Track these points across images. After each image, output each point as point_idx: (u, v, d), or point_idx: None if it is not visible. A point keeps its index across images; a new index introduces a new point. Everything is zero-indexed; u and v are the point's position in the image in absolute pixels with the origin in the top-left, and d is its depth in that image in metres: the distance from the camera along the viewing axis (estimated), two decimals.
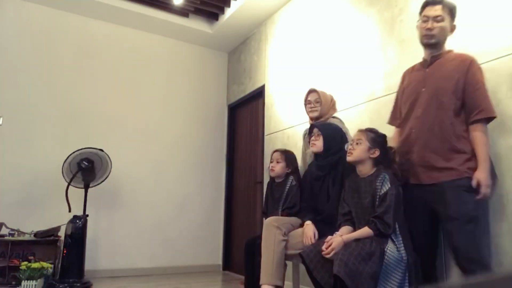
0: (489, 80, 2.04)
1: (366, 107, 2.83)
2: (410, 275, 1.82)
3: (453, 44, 2.25)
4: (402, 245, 1.86)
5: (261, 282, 2.22)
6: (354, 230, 2.00)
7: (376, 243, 1.82)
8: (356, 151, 2.02)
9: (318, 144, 2.34)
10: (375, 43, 2.83)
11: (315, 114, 2.62)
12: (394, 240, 1.87)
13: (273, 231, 2.29)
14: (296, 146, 3.52)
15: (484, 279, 0.30)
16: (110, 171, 3.70)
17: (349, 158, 2.05)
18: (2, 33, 3.93)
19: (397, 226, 1.89)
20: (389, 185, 1.89)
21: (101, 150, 3.63)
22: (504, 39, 2.00)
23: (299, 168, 2.78)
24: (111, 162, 3.69)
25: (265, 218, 2.79)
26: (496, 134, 1.97)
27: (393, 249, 1.83)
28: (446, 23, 1.92)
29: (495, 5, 2.07)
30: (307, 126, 3.38)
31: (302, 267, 3.16)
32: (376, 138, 2.02)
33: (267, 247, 2.27)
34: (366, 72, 2.87)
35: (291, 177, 2.67)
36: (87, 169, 3.52)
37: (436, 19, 1.92)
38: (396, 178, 1.95)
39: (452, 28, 1.96)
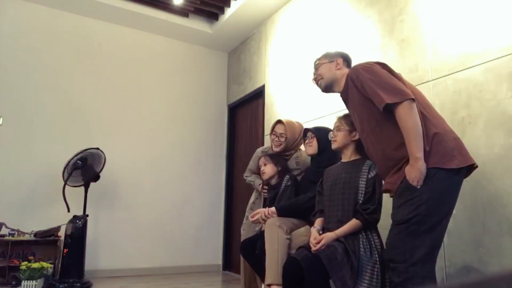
0: (489, 80, 2.04)
1: None
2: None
3: (454, 44, 2.25)
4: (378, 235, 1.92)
5: (267, 282, 2.21)
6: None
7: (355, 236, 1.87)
8: (339, 137, 2.08)
9: (313, 145, 2.38)
10: (375, 43, 2.83)
11: (278, 148, 2.69)
12: (373, 231, 1.91)
13: (275, 230, 2.29)
14: None
15: (484, 279, 0.30)
16: (105, 162, 3.66)
17: (334, 146, 2.11)
18: (2, 33, 3.93)
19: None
20: (375, 173, 1.92)
21: (97, 148, 3.63)
22: (504, 39, 2.00)
23: None
24: (104, 154, 3.65)
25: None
26: (496, 134, 1.97)
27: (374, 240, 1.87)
28: (324, 66, 2.01)
29: (495, 5, 2.07)
30: (308, 126, 3.38)
31: None
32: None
33: (271, 247, 2.26)
34: None
35: (287, 177, 2.67)
36: (81, 167, 3.52)
37: (316, 68, 2.05)
38: None
39: (337, 64, 2.00)
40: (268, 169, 2.75)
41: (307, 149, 2.45)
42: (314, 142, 2.39)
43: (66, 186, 3.45)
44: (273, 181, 2.77)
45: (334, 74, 1.99)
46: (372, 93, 1.69)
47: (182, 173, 4.67)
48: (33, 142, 3.91)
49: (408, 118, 1.57)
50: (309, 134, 2.45)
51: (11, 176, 3.76)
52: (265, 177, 2.77)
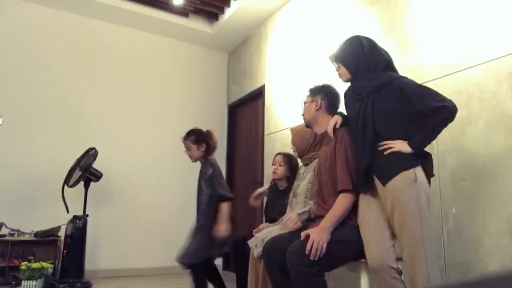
0: (489, 80, 2.04)
1: None
2: None
3: (454, 44, 2.25)
4: None
5: None
6: None
7: None
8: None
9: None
10: None
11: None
12: None
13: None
14: None
15: (484, 279, 0.30)
16: (96, 154, 3.62)
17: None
18: (2, 33, 3.93)
19: None
20: None
21: (92, 148, 3.63)
22: (504, 39, 2.00)
23: None
24: (95, 150, 3.64)
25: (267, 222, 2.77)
26: (496, 134, 1.97)
27: None
28: (307, 106, 2.10)
29: (495, 5, 2.07)
30: None
31: None
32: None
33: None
34: None
35: None
36: (76, 164, 3.53)
37: (303, 104, 2.15)
38: None
39: (316, 104, 2.05)
40: (280, 170, 2.75)
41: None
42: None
43: (66, 187, 3.45)
44: (281, 185, 2.78)
45: (313, 115, 2.07)
46: (340, 168, 1.83)
47: (182, 173, 4.66)
48: (33, 142, 3.91)
49: (344, 205, 1.78)
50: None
51: (11, 176, 3.76)
52: (276, 177, 2.77)
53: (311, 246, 1.66)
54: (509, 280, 0.29)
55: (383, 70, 1.81)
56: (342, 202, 1.80)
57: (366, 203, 1.76)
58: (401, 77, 1.79)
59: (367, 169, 1.71)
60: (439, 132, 1.65)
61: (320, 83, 2.15)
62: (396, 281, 1.62)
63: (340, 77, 1.92)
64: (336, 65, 1.91)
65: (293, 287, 1.71)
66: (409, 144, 1.63)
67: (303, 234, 1.75)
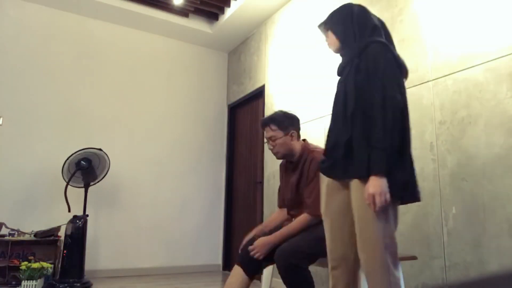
0: (489, 80, 2.04)
1: None
2: None
3: (454, 44, 2.25)
4: None
5: None
6: None
7: None
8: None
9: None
10: None
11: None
12: None
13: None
14: None
15: (483, 279, 0.30)
16: (109, 168, 3.69)
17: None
18: (2, 33, 3.93)
19: None
20: None
21: (100, 149, 3.64)
22: (504, 39, 2.00)
23: None
24: (109, 159, 3.67)
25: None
26: (496, 134, 1.97)
27: None
28: (281, 140, 2.14)
29: (495, 5, 2.07)
30: (308, 126, 3.39)
31: None
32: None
33: None
34: None
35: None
36: (86, 168, 3.52)
37: (273, 139, 2.16)
38: None
39: (292, 137, 2.15)
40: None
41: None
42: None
43: (70, 186, 3.46)
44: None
45: (290, 146, 2.15)
46: (308, 193, 2.02)
47: (182, 173, 4.67)
48: (33, 142, 3.91)
49: (300, 226, 1.99)
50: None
51: (11, 176, 3.76)
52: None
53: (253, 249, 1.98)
54: (509, 280, 0.29)
55: (370, 35, 1.58)
56: (301, 222, 1.99)
57: (331, 194, 1.60)
58: (378, 42, 1.53)
59: (347, 144, 1.49)
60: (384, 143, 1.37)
61: (281, 114, 2.16)
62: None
63: (329, 46, 1.72)
64: (325, 34, 1.73)
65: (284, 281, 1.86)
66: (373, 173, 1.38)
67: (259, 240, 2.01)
